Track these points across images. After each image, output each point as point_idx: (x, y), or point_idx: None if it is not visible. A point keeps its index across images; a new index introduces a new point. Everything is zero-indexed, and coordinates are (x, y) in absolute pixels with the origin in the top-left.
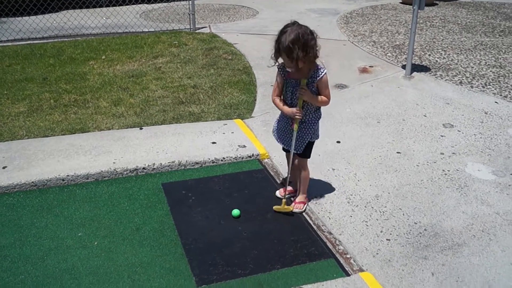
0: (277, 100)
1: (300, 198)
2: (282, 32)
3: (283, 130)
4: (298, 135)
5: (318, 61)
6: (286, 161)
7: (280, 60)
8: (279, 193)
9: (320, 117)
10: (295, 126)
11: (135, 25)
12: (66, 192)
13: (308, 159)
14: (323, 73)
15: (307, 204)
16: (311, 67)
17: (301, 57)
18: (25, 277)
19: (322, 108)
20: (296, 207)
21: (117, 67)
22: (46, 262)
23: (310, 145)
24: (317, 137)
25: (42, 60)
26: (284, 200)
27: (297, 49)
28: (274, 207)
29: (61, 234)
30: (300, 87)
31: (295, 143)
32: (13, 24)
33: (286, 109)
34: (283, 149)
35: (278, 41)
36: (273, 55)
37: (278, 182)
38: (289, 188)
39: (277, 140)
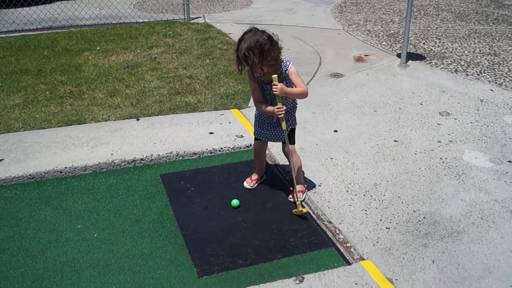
0: (260, 105)
1: (298, 187)
2: (240, 39)
3: (260, 122)
4: (278, 125)
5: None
6: (283, 151)
7: (245, 69)
8: (247, 184)
9: (296, 105)
10: (283, 124)
11: (129, 15)
12: (64, 184)
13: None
14: (289, 65)
15: (306, 193)
16: (276, 67)
17: (258, 62)
18: (25, 270)
19: (319, 98)
20: (297, 197)
21: (112, 58)
22: (46, 255)
23: (292, 132)
24: (295, 123)
25: (36, 51)
26: (298, 202)
27: (252, 55)
28: (293, 211)
29: (60, 227)
30: (272, 85)
31: (277, 133)
32: (7, 16)
33: (269, 109)
34: (256, 138)
35: (236, 49)
36: (236, 64)
37: (276, 171)
38: (256, 176)
39: (255, 134)
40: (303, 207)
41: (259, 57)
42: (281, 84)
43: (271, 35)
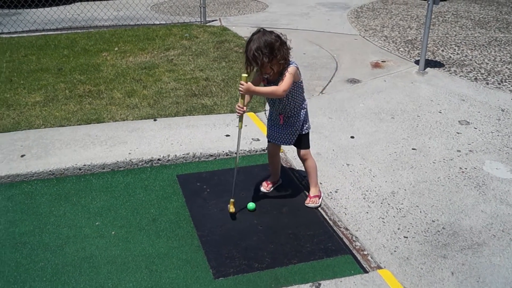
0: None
1: (313, 191)
2: (249, 41)
3: (270, 124)
4: (287, 129)
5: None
6: (298, 155)
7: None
8: (263, 188)
9: (304, 110)
10: (240, 124)
11: (146, 17)
12: (82, 182)
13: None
14: (292, 64)
15: (322, 198)
16: (285, 66)
17: (267, 62)
18: (45, 264)
19: (335, 103)
20: (312, 202)
21: (129, 58)
22: (65, 250)
23: (305, 136)
24: (309, 127)
25: (56, 51)
26: (232, 201)
27: (261, 55)
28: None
29: (79, 223)
30: (240, 83)
31: (285, 136)
32: (28, 16)
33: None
34: (268, 140)
35: (245, 51)
36: (244, 65)
37: (292, 176)
38: (271, 180)
39: (266, 136)
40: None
41: (269, 56)
42: (249, 83)
43: (279, 35)
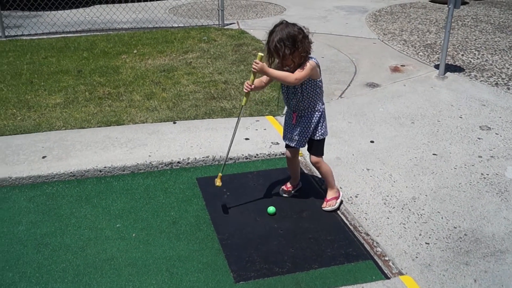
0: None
1: (329, 194)
2: (271, 32)
3: (285, 124)
4: (297, 129)
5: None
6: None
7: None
8: (283, 190)
9: (319, 112)
10: (244, 100)
11: (164, 20)
12: (103, 183)
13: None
14: (312, 59)
15: (340, 200)
16: (306, 60)
17: (289, 54)
18: (67, 265)
19: (355, 107)
20: (328, 205)
21: (148, 61)
22: (86, 252)
23: (318, 143)
24: (323, 134)
25: (76, 53)
26: (219, 175)
27: (283, 47)
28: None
29: (100, 225)
30: (254, 61)
31: (296, 137)
32: (48, 18)
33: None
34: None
35: (267, 42)
36: (265, 57)
37: (312, 180)
38: (290, 184)
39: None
40: None
41: (291, 48)
42: (263, 63)
43: (302, 28)
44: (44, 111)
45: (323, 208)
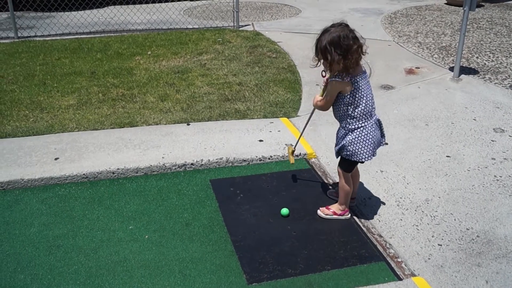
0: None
1: (334, 206)
2: (324, 31)
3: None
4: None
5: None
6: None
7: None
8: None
9: (350, 131)
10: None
11: (179, 21)
12: (116, 185)
13: (346, 173)
14: (335, 78)
15: (338, 218)
16: (341, 70)
17: (336, 61)
18: (79, 267)
19: None
20: (322, 211)
21: (162, 62)
22: (99, 254)
23: (345, 160)
24: (351, 156)
25: (89, 54)
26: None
27: (332, 51)
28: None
29: (113, 227)
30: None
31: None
32: (62, 19)
33: None
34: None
35: (318, 40)
36: (314, 55)
37: (326, 182)
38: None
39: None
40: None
41: (339, 54)
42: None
43: (357, 37)
44: (56, 113)
45: (317, 211)
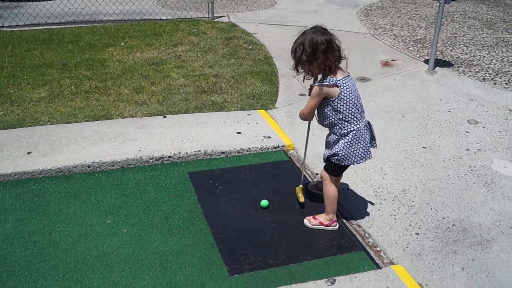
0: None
1: (321, 216)
2: (300, 33)
3: None
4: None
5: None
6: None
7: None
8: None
9: (342, 136)
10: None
11: (152, 12)
12: (92, 179)
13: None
14: (319, 83)
15: (325, 229)
16: (325, 75)
17: (306, 61)
18: (56, 263)
19: None
20: (308, 221)
21: (136, 54)
22: (77, 249)
23: (332, 164)
24: (340, 160)
25: (60, 45)
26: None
27: (302, 52)
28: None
29: (90, 221)
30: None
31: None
32: (30, 9)
33: None
34: None
35: (294, 43)
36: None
37: (304, 173)
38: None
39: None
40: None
41: (310, 55)
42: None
43: (332, 40)
44: (28, 106)
45: (304, 221)
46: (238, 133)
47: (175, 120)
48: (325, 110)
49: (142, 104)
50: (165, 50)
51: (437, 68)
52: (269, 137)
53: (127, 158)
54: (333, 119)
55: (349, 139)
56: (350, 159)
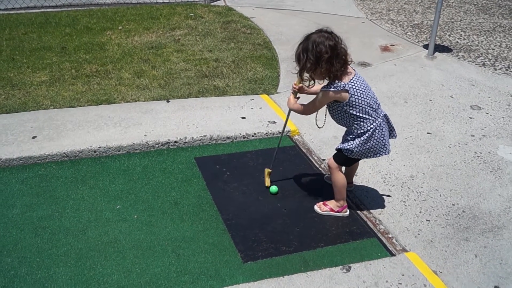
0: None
1: (331, 202)
2: (304, 37)
3: None
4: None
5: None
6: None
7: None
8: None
9: (360, 136)
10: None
11: None
12: (98, 164)
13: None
14: (329, 88)
15: (336, 215)
16: (330, 82)
17: (308, 68)
18: (68, 249)
19: None
20: (318, 207)
21: (135, 38)
22: (87, 235)
23: (341, 154)
24: (350, 152)
25: (58, 29)
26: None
27: (305, 58)
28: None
29: (99, 207)
30: (293, 83)
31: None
32: None
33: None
34: None
35: (297, 47)
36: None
37: (310, 158)
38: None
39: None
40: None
41: (314, 64)
42: (301, 85)
43: (337, 45)
44: (29, 89)
45: (314, 207)
46: (243, 118)
47: (178, 105)
48: (338, 112)
49: (144, 88)
50: (163, 34)
51: (437, 53)
52: (274, 122)
53: (133, 143)
54: (348, 120)
55: (366, 138)
56: (365, 154)
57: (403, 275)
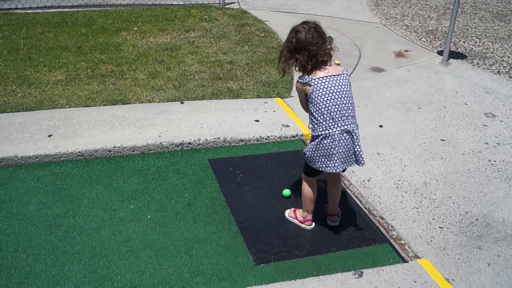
0: None
1: (298, 210)
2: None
3: None
4: None
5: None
6: None
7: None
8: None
9: (313, 138)
10: None
11: None
12: (113, 164)
13: (307, 178)
14: (298, 80)
15: (298, 224)
16: (302, 72)
17: (286, 59)
18: (82, 247)
19: (362, 91)
20: (288, 210)
21: (150, 39)
22: (101, 234)
23: (307, 164)
24: (308, 160)
25: (74, 28)
26: None
27: (284, 49)
28: None
29: (113, 206)
30: None
31: None
32: None
33: None
34: None
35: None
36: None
37: None
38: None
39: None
40: None
41: (287, 54)
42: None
43: (307, 39)
44: (45, 88)
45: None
46: (256, 121)
47: (192, 106)
48: (305, 103)
49: (159, 89)
50: (178, 36)
51: (451, 60)
52: (287, 125)
53: (148, 144)
54: (310, 116)
55: (316, 143)
56: (315, 163)
57: (415, 281)
